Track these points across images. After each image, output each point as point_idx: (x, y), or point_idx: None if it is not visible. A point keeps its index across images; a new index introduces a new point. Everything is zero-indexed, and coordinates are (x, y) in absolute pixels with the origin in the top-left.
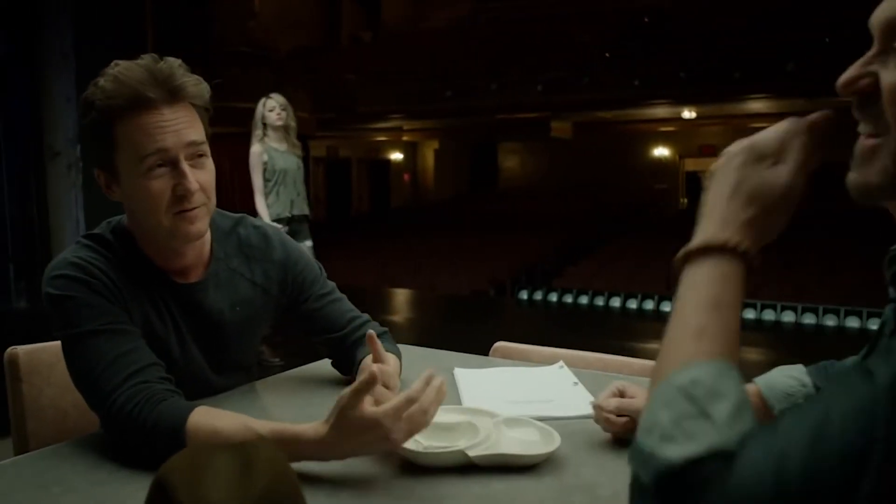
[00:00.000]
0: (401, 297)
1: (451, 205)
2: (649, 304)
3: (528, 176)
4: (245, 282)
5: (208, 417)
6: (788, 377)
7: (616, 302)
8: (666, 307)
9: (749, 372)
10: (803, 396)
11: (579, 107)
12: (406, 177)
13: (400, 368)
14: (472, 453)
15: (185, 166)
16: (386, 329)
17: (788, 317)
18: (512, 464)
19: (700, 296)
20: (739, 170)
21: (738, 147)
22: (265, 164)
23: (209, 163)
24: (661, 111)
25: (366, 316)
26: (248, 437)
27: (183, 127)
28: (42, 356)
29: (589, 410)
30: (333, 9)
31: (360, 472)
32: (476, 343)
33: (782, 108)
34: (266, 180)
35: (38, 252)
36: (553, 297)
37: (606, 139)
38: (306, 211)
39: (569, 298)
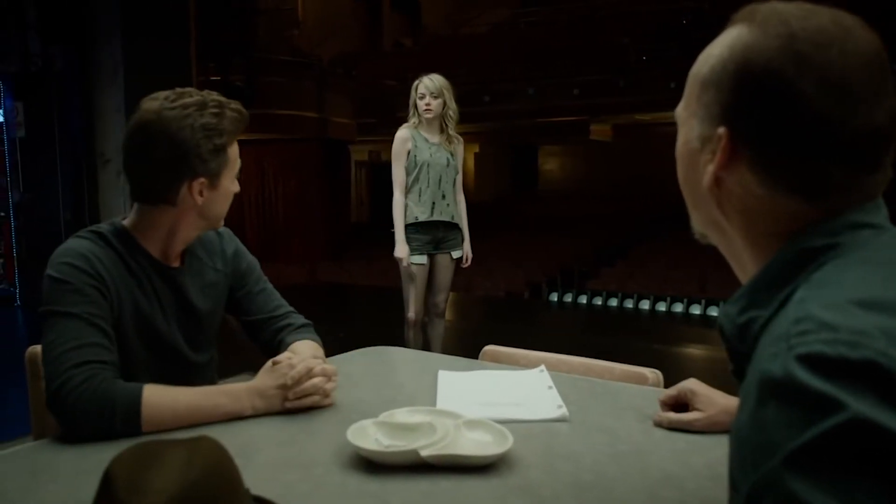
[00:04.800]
0: None
1: (491, 207)
2: (678, 307)
3: (568, 178)
4: (209, 269)
5: (162, 387)
6: None
7: (646, 305)
8: (695, 310)
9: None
10: None
11: (616, 109)
12: None
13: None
14: (424, 453)
15: None
16: (309, 322)
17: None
18: (462, 464)
19: None
20: None
21: None
22: (409, 153)
23: None
24: None
25: (291, 308)
26: (196, 397)
27: None
28: None
29: (555, 414)
30: (375, 16)
31: (316, 468)
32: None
33: None
34: (407, 173)
35: None
36: (583, 300)
37: (645, 141)
38: (453, 219)
39: (598, 301)
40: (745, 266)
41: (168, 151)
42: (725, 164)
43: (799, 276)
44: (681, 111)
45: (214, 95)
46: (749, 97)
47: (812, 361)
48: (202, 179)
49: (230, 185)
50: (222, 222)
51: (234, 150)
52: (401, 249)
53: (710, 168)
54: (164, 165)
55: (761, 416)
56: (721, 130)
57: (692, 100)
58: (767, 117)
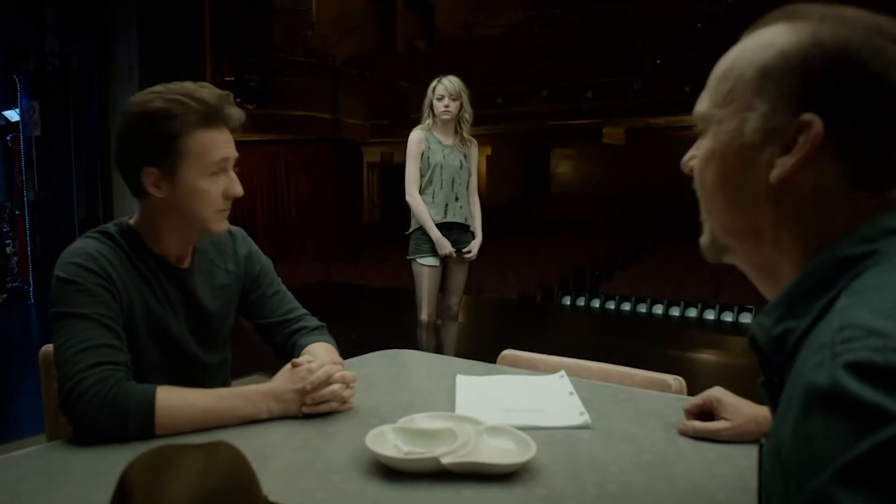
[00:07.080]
0: None
1: (504, 210)
2: (692, 312)
3: (581, 181)
4: (220, 270)
5: (175, 390)
6: None
7: (659, 309)
8: (710, 315)
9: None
10: None
11: (630, 113)
12: None
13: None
14: (445, 460)
15: (234, 174)
16: (323, 324)
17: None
18: (485, 472)
19: None
20: None
21: None
22: (423, 154)
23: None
24: None
25: (305, 311)
26: (211, 400)
27: (233, 145)
28: None
29: (577, 421)
30: (389, 17)
31: (333, 475)
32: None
33: None
34: (420, 175)
35: None
36: (596, 304)
37: (659, 145)
38: (466, 221)
39: (611, 305)
40: (780, 276)
41: (123, 138)
42: (812, 154)
43: (837, 285)
44: (712, 109)
45: (204, 86)
46: (841, 84)
47: (861, 370)
48: (152, 170)
49: (195, 179)
50: (213, 225)
51: (195, 142)
52: (443, 245)
53: (786, 160)
54: (122, 153)
55: (806, 429)
56: (809, 117)
57: (740, 93)
58: (860, 105)
